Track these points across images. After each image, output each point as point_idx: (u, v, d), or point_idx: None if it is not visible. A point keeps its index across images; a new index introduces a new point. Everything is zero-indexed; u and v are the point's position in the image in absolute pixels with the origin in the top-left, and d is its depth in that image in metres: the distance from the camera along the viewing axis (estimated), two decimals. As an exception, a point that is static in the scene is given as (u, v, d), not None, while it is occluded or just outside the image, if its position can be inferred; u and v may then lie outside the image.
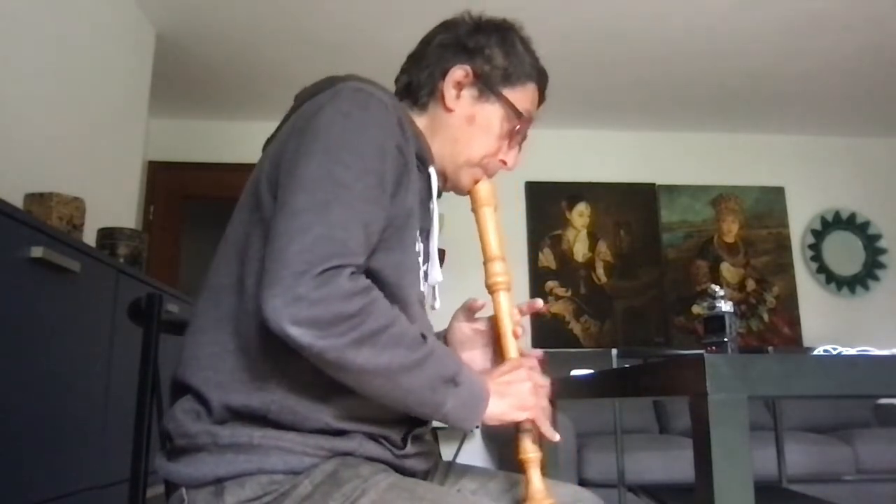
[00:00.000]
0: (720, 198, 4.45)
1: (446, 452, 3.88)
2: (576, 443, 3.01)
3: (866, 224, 4.46)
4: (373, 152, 0.82)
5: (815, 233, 4.44)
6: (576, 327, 4.16)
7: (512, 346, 0.99)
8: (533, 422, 0.92)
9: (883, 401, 3.89)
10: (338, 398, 0.82)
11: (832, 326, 4.30)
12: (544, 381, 0.94)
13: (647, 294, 4.26)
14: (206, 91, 3.86)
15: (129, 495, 0.97)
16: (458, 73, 1.00)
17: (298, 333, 0.71)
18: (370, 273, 0.83)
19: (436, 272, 0.99)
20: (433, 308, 1.03)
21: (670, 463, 2.98)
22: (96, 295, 1.59)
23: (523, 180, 4.34)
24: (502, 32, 1.05)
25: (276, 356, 0.80)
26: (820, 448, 3.15)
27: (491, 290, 1.01)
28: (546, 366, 1.00)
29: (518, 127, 1.02)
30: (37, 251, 1.30)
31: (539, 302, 1.05)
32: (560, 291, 4.19)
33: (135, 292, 1.67)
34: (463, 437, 3.89)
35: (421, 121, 1.01)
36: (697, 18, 3.18)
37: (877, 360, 0.73)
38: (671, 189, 4.43)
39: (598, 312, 4.21)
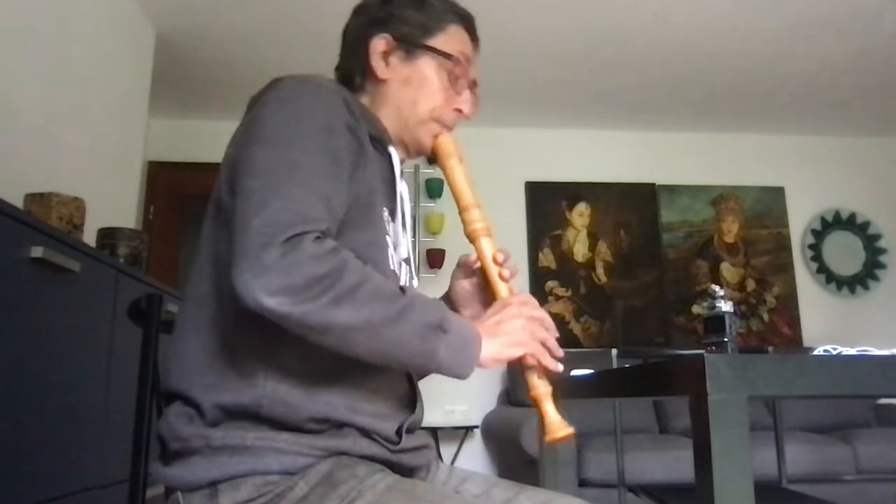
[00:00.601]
0: (720, 198, 4.45)
1: (446, 452, 3.88)
2: (576, 443, 3.01)
3: (866, 224, 4.46)
4: (321, 132, 0.82)
5: (815, 233, 4.44)
6: (576, 327, 4.16)
7: (501, 288, 0.98)
8: (534, 357, 0.91)
9: (883, 401, 3.89)
10: (329, 385, 0.82)
11: (832, 326, 4.30)
12: (538, 314, 0.92)
13: (647, 294, 4.26)
14: (206, 91, 3.86)
15: (129, 495, 0.97)
16: (379, 43, 1.01)
17: (275, 303, 0.70)
18: None
19: (402, 250, 0.99)
20: (412, 287, 1.02)
21: (670, 463, 2.98)
22: (96, 295, 1.59)
23: (523, 180, 4.34)
24: None
25: (261, 350, 0.80)
26: (820, 448, 3.15)
27: (471, 237, 1.00)
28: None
29: (456, 70, 1.01)
30: (37, 251, 1.30)
31: (501, 253, 1.02)
32: (560, 291, 4.19)
33: (135, 292, 1.67)
34: (463, 436, 3.90)
35: (364, 101, 1.01)
36: (697, 18, 3.18)
37: (877, 360, 0.73)
38: (671, 189, 4.43)
39: (598, 312, 4.21)
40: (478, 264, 1.06)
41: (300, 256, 0.71)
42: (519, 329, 0.89)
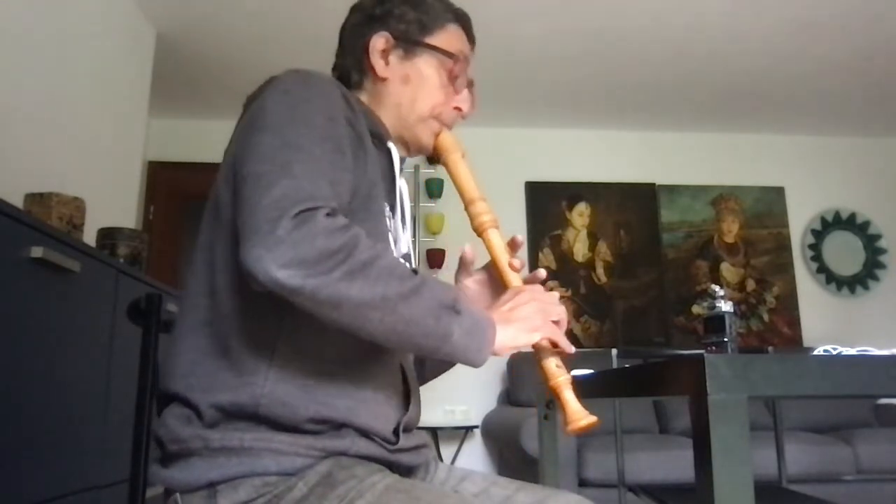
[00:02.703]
0: (720, 198, 4.45)
1: (446, 452, 3.88)
2: (576, 443, 3.01)
3: (866, 224, 4.46)
4: (323, 121, 0.82)
5: (815, 233, 4.44)
6: (576, 327, 4.16)
7: (513, 278, 0.97)
8: (550, 341, 0.90)
9: (883, 401, 3.89)
10: (327, 384, 0.82)
11: (832, 326, 4.30)
12: (550, 298, 0.91)
13: (647, 294, 4.26)
14: (206, 91, 3.86)
15: (129, 495, 0.97)
16: (379, 41, 1.00)
17: (287, 276, 0.69)
18: None
19: (402, 245, 0.99)
20: None
21: (670, 463, 2.98)
22: (96, 295, 1.59)
23: (523, 180, 4.34)
24: None
25: (259, 349, 0.80)
26: (820, 448, 3.15)
27: (479, 230, 1.00)
28: (547, 286, 0.97)
29: (455, 68, 1.01)
30: (37, 251, 1.30)
31: (518, 237, 1.03)
32: (560, 291, 4.19)
33: (135, 292, 1.67)
34: (463, 437, 3.89)
35: (363, 100, 1.01)
36: (697, 18, 3.18)
37: (877, 360, 0.73)
38: (671, 189, 4.43)
39: (598, 312, 4.21)
40: (472, 256, 1.06)
41: (312, 229, 0.70)
42: (533, 314, 0.88)
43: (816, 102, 4.08)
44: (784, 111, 4.21)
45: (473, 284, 1.08)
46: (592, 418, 0.88)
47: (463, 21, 1.06)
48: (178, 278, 4.03)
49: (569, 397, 0.90)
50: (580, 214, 4.34)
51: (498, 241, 0.99)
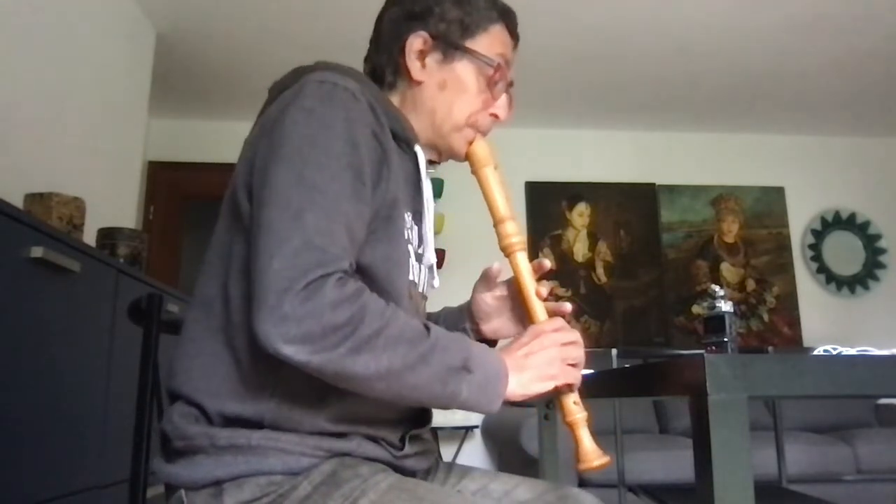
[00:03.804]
0: (720, 198, 4.45)
1: (446, 452, 3.88)
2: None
3: (866, 224, 4.46)
4: (344, 147, 0.79)
5: (815, 233, 4.44)
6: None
7: (538, 308, 0.94)
8: (568, 385, 0.88)
9: (883, 401, 3.89)
10: (334, 402, 0.81)
11: (832, 326, 4.30)
12: (570, 338, 0.89)
13: (647, 294, 4.26)
14: (206, 91, 3.86)
15: (129, 495, 0.97)
16: (416, 42, 0.95)
17: (293, 352, 0.70)
18: (360, 269, 0.81)
19: (430, 254, 0.96)
20: (433, 287, 1.00)
21: (670, 463, 2.98)
22: (96, 295, 1.59)
23: (523, 180, 4.34)
24: None
25: (269, 367, 0.79)
26: (820, 448, 3.15)
27: (507, 252, 0.96)
28: (570, 319, 0.94)
29: (496, 75, 0.96)
30: (37, 251, 1.30)
31: (546, 262, 0.99)
32: (560, 291, 4.19)
33: (135, 292, 1.67)
34: (463, 436, 3.89)
35: (394, 101, 0.97)
36: (697, 18, 3.18)
37: (877, 360, 0.73)
38: (671, 189, 4.43)
39: (598, 312, 4.21)
40: (501, 277, 1.03)
41: (319, 304, 0.70)
42: (549, 361, 0.86)
43: (816, 102, 4.08)
44: (784, 111, 4.21)
45: (491, 300, 1.06)
46: (606, 458, 0.88)
47: (508, 19, 1.01)
48: (178, 278, 4.03)
49: (584, 436, 0.89)
50: (580, 214, 4.34)
51: (525, 266, 0.96)
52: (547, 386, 0.86)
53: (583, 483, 2.96)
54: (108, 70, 2.69)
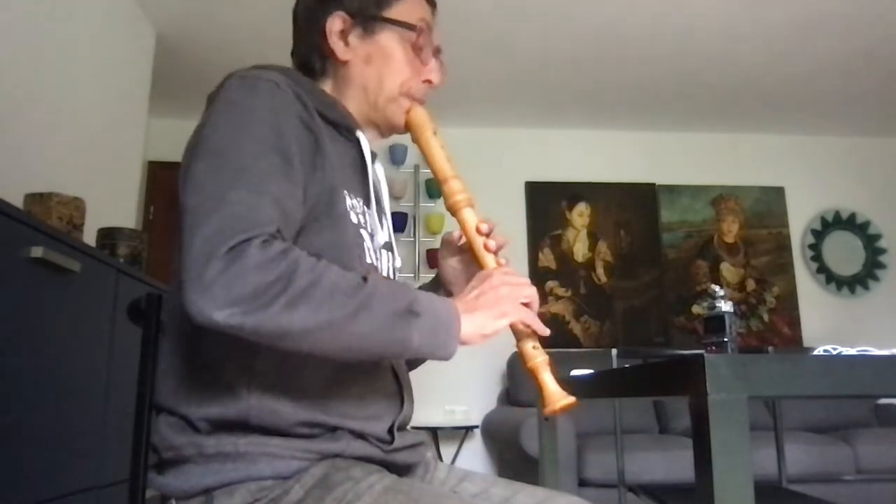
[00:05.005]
0: (720, 198, 4.45)
1: (446, 453, 3.88)
2: (576, 443, 3.01)
3: (866, 224, 4.46)
4: (269, 132, 0.79)
5: (815, 233, 4.44)
6: (576, 327, 4.16)
7: (487, 259, 0.93)
8: (523, 323, 0.87)
9: (883, 401, 3.89)
10: (315, 391, 0.81)
11: (832, 326, 4.30)
12: (519, 280, 0.88)
13: (647, 294, 4.26)
14: (206, 91, 3.82)
15: (129, 496, 0.97)
16: (335, 22, 0.96)
17: (224, 316, 0.67)
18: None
19: (380, 236, 0.95)
20: (395, 268, 1.00)
21: (670, 463, 2.98)
22: (96, 295, 1.59)
23: (523, 180, 4.34)
24: None
25: (239, 362, 0.79)
26: (820, 448, 3.15)
27: (454, 209, 0.96)
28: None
29: (419, 40, 0.96)
30: (37, 251, 1.30)
31: (486, 224, 0.96)
32: (560, 291, 4.19)
33: (135, 292, 1.67)
34: (463, 436, 3.89)
35: (326, 88, 0.97)
36: (697, 19, 3.18)
37: (877, 360, 0.73)
38: (671, 189, 4.43)
39: (598, 312, 4.21)
40: (462, 240, 1.02)
41: (244, 265, 0.68)
42: (501, 298, 0.84)
43: (817, 102, 4.08)
44: (784, 111, 4.21)
45: (456, 264, 1.06)
46: (570, 399, 0.86)
47: None
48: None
49: (546, 379, 0.87)
50: (580, 214, 4.34)
51: (472, 220, 0.95)
52: (501, 323, 0.84)
53: (583, 483, 2.96)
54: (108, 70, 2.69)
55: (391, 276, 0.99)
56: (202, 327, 0.71)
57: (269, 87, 0.83)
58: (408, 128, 0.99)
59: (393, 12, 0.96)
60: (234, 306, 0.67)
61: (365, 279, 0.76)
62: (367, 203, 0.94)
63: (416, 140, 0.99)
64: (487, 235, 0.95)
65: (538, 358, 0.88)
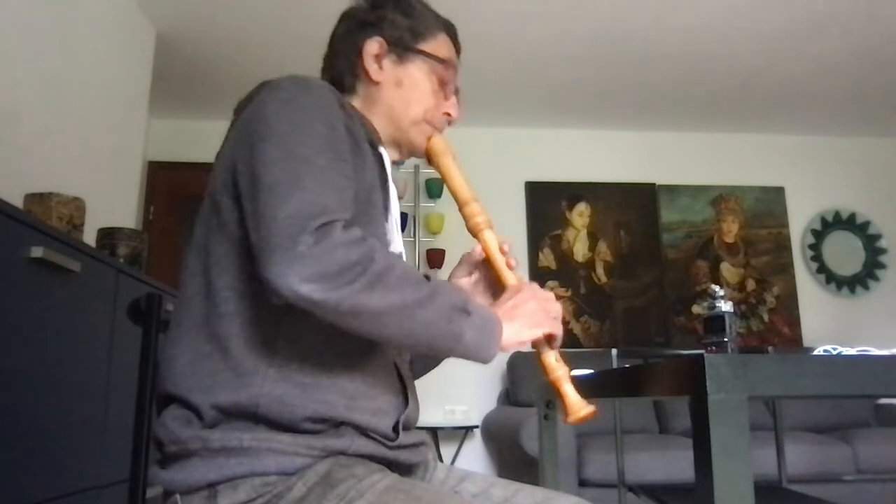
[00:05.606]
0: (720, 198, 4.45)
1: (446, 453, 3.88)
2: (576, 443, 3.01)
3: (866, 224, 4.46)
4: (323, 129, 0.84)
5: (815, 233, 4.44)
6: (576, 327, 4.16)
7: (510, 277, 1.01)
8: (551, 336, 0.95)
9: (883, 401, 3.89)
10: (326, 383, 0.82)
11: (832, 326, 4.30)
12: (548, 296, 0.96)
13: (647, 294, 4.26)
14: (206, 91, 3.86)
15: (129, 496, 0.97)
16: (373, 45, 1.03)
17: (309, 290, 0.71)
18: None
19: (396, 246, 1.01)
20: None
21: (670, 463, 2.98)
22: (96, 295, 1.59)
23: (523, 180, 4.34)
24: None
25: (257, 349, 0.81)
26: (820, 448, 3.15)
27: (474, 231, 1.03)
28: (547, 286, 1.04)
29: (445, 74, 1.05)
30: (37, 251, 1.30)
31: (505, 244, 1.06)
32: (560, 291, 4.20)
33: (135, 292, 1.67)
34: (463, 436, 3.89)
35: (355, 103, 1.04)
36: (697, 19, 3.18)
37: (877, 360, 0.73)
38: (671, 189, 4.43)
39: (598, 312, 4.21)
40: (482, 258, 1.08)
41: (332, 243, 0.73)
42: (535, 310, 0.93)
43: (817, 102, 4.08)
44: (784, 111, 4.21)
45: (466, 284, 1.11)
46: (591, 408, 0.93)
47: (450, 31, 1.10)
48: (177, 278, 4.03)
49: (568, 390, 0.95)
50: (580, 214, 4.34)
51: (493, 242, 1.03)
52: (536, 333, 0.93)
53: (583, 483, 2.96)
54: (108, 70, 2.69)
55: None
56: (224, 312, 0.78)
57: (319, 90, 0.89)
58: (428, 153, 1.07)
59: (426, 46, 1.05)
60: (319, 282, 0.72)
61: (427, 276, 0.83)
62: (386, 216, 0.98)
63: (436, 164, 1.07)
64: (507, 255, 1.03)
65: (560, 371, 0.96)
